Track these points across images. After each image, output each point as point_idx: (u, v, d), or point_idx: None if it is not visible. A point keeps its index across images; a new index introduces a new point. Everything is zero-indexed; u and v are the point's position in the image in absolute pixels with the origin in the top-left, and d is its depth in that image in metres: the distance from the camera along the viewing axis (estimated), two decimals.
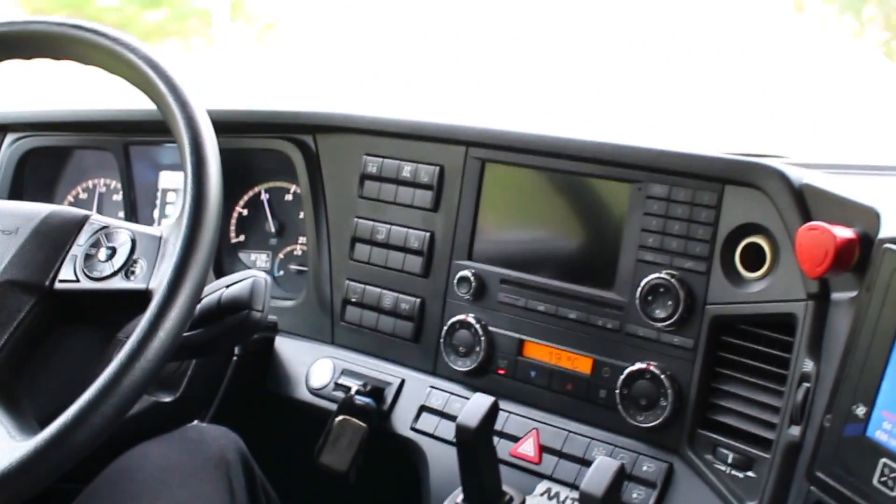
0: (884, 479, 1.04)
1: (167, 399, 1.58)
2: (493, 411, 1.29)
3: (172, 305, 1.14)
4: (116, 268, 1.27)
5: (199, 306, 1.42)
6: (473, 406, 1.30)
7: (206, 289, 1.44)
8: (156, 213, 2.04)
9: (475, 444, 1.29)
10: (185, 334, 1.39)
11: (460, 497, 1.35)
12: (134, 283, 1.25)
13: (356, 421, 1.58)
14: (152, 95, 1.27)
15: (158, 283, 1.16)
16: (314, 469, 1.63)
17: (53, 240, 1.32)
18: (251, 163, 1.92)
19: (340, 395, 1.63)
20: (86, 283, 1.29)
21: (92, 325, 1.37)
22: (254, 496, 1.39)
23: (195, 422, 1.55)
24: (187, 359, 1.57)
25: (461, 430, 1.29)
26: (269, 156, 1.84)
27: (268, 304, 1.42)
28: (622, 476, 1.19)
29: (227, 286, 1.42)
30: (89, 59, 1.33)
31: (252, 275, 1.42)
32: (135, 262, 1.27)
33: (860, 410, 1.08)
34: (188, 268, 1.16)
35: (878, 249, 1.11)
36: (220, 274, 1.84)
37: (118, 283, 1.27)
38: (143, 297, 1.20)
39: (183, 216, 1.18)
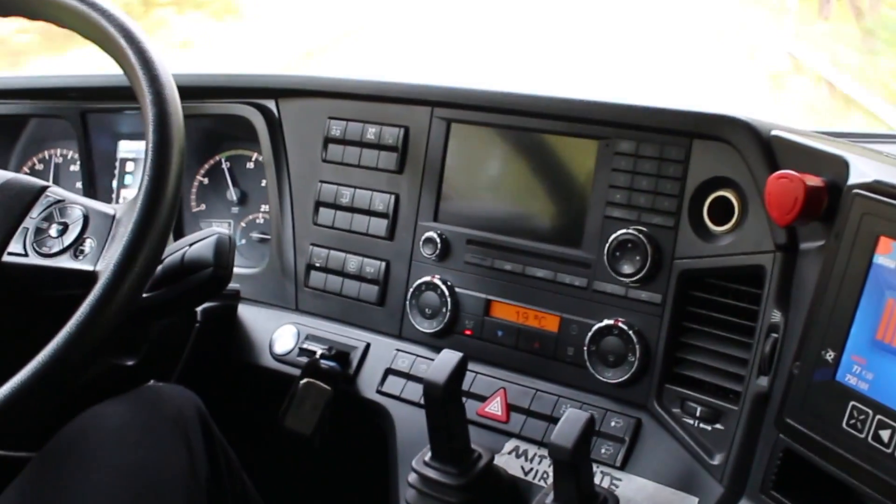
0: (853, 421, 1.05)
1: (129, 363, 1.56)
2: (461, 367, 1.28)
3: (116, 292, 1.11)
4: (66, 245, 1.25)
5: (161, 266, 1.40)
6: (442, 362, 1.29)
7: (169, 248, 1.43)
8: (114, 184, 2.01)
9: (444, 401, 1.28)
10: (146, 295, 1.38)
11: (428, 455, 1.34)
12: (81, 264, 1.23)
13: (320, 384, 1.57)
14: (122, 63, 1.25)
15: (105, 267, 1.14)
16: (279, 436, 1.62)
17: (7, 209, 1.29)
18: (213, 130, 1.90)
19: (305, 360, 1.62)
20: (34, 259, 1.26)
21: (37, 301, 1.34)
22: (212, 455, 1.37)
23: (151, 382, 1.52)
24: (151, 319, 1.54)
25: (429, 387, 1.28)
26: (230, 122, 1.81)
27: (232, 261, 1.41)
28: (592, 428, 1.19)
29: (191, 244, 1.40)
30: (63, 21, 1.31)
31: (215, 232, 1.41)
32: (85, 240, 1.25)
33: (829, 356, 1.09)
34: (136, 254, 1.13)
35: (847, 196, 1.11)
36: None
37: (66, 261, 1.25)
38: (89, 278, 1.18)
39: (138, 198, 1.16)
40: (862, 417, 1.04)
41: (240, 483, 1.45)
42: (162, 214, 1.16)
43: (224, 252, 1.39)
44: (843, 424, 1.06)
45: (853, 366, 1.06)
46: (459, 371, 1.28)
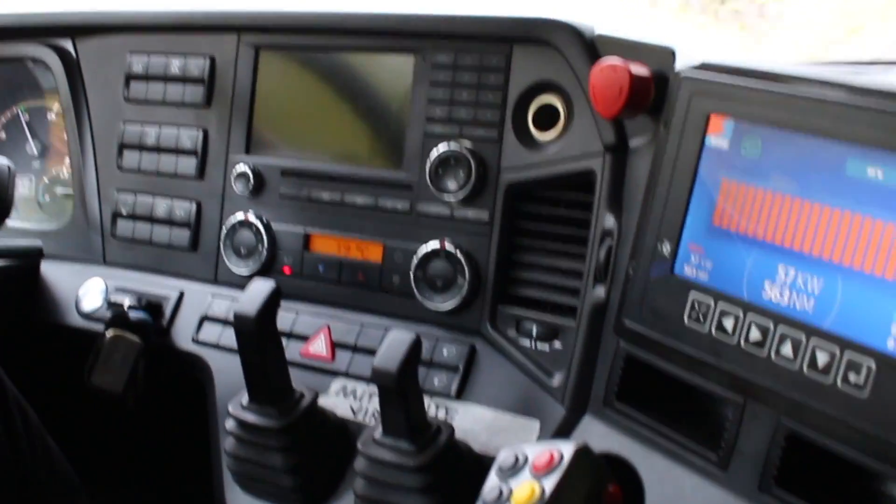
0: (694, 314, 0.94)
1: None
2: (274, 297, 1.14)
3: None
4: None
5: None
6: (252, 292, 1.14)
7: None
8: None
9: (257, 334, 1.13)
10: None
11: (245, 399, 1.19)
12: None
13: (129, 337, 1.39)
14: None
15: None
16: (92, 399, 1.44)
17: None
18: (7, 79, 1.70)
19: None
20: None
21: None
22: (5, 413, 1.20)
23: None
24: None
25: (240, 319, 1.13)
26: (26, 70, 1.62)
27: (12, 191, 1.23)
28: (418, 349, 1.06)
29: None
30: None
31: None
32: None
33: (666, 248, 0.98)
34: None
35: (675, 82, 1.01)
36: None
37: None
38: None
39: None
40: (703, 310, 0.93)
41: (41, 444, 1.28)
42: None
43: (2, 182, 1.21)
44: (685, 319, 0.95)
45: (691, 256, 0.96)
46: (272, 301, 1.13)
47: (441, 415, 1.20)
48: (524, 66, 1.22)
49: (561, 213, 1.20)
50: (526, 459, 0.80)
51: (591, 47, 1.16)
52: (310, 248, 1.36)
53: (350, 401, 1.26)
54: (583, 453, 0.78)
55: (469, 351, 1.24)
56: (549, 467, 0.77)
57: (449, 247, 1.25)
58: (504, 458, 0.82)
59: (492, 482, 0.81)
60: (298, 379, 1.25)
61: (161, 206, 1.48)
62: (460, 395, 1.22)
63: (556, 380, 1.15)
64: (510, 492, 0.77)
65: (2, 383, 1.23)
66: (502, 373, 1.21)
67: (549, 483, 0.76)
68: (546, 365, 1.18)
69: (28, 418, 1.27)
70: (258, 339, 1.13)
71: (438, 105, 1.27)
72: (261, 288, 1.14)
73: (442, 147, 1.25)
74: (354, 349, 1.29)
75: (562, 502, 0.76)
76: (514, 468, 0.80)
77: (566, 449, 0.78)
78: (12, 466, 1.22)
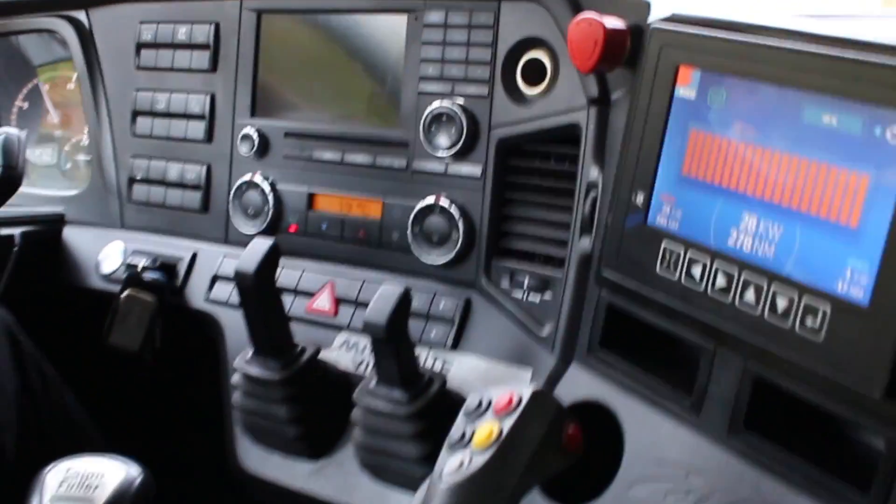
0: (665, 263, 0.95)
1: None
2: (272, 254, 1.16)
3: None
4: None
5: None
6: (251, 250, 1.16)
7: None
8: None
9: (256, 290, 1.16)
10: None
11: (250, 353, 1.22)
12: None
13: (144, 297, 1.43)
14: None
15: None
16: (112, 356, 1.48)
17: None
18: (26, 51, 1.73)
19: None
20: None
21: None
22: (22, 369, 1.25)
23: None
24: None
25: (240, 276, 1.15)
26: (44, 42, 1.65)
27: (23, 159, 1.27)
28: (407, 302, 1.08)
29: None
30: None
31: (2, 132, 1.26)
32: None
33: (639, 199, 0.99)
34: None
35: (647, 34, 1.02)
36: None
37: None
38: None
39: None
40: (674, 258, 0.94)
41: (59, 399, 1.32)
42: None
43: (13, 151, 1.24)
44: (657, 268, 0.96)
45: (663, 206, 0.97)
46: (271, 258, 1.16)
47: (437, 366, 1.22)
48: (511, 21, 1.23)
49: (550, 166, 1.21)
50: (490, 402, 0.82)
51: (574, 2, 1.16)
52: (313, 206, 1.39)
53: (352, 354, 1.29)
54: (540, 396, 0.80)
55: (464, 304, 1.26)
56: (509, 409, 0.79)
57: (444, 202, 1.27)
58: (471, 401, 0.84)
59: (458, 423, 0.83)
60: (304, 334, 1.29)
61: (173, 170, 1.51)
62: (456, 346, 1.24)
63: (547, 330, 1.17)
64: (473, 432, 0.80)
65: (19, 341, 1.27)
66: (496, 324, 1.23)
67: (508, 424, 0.78)
68: (537, 315, 1.20)
69: (45, 375, 1.31)
70: (258, 294, 1.16)
71: (431, 64, 1.28)
72: (260, 246, 1.16)
73: (434, 105, 1.26)
74: (356, 304, 1.32)
75: (518, 441, 0.78)
76: (479, 410, 0.82)
77: (525, 392, 0.80)
78: (31, 421, 1.27)
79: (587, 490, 1.01)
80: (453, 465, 0.79)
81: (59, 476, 0.87)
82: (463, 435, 0.81)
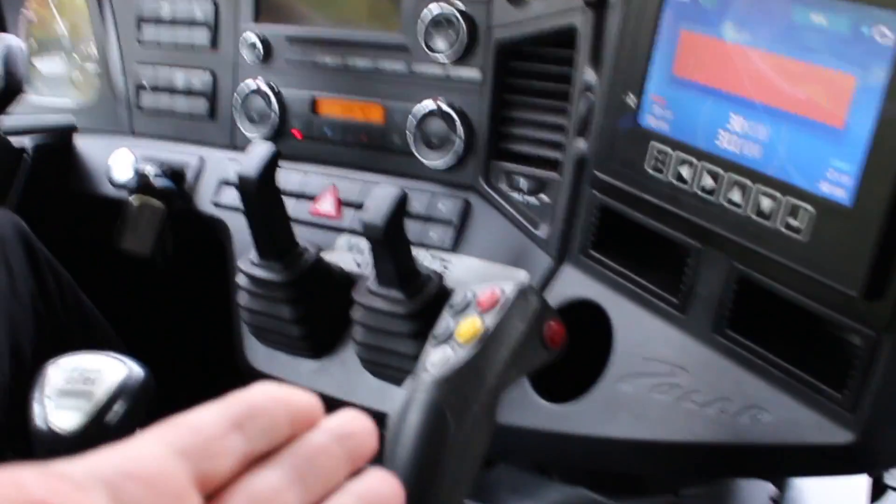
0: (655, 163, 0.95)
1: None
2: (273, 158, 1.16)
3: None
4: None
5: None
6: (252, 154, 1.17)
7: None
8: None
9: (258, 193, 1.16)
10: None
11: (254, 255, 1.24)
12: None
13: (153, 202, 1.44)
14: None
15: None
16: (124, 262, 1.51)
17: None
18: None
19: None
20: None
21: None
22: (38, 273, 1.27)
23: None
24: None
25: (242, 181, 1.16)
26: None
27: (25, 70, 1.27)
28: (403, 203, 1.09)
29: None
30: None
31: (4, 41, 1.26)
32: None
33: (631, 100, 0.99)
34: None
35: None
36: None
37: None
38: None
39: None
40: (663, 158, 0.94)
41: (75, 301, 1.35)
42: None
43: (14, 60, 1.25)
44: (648, 169, 0.96)
45: (653, 106, 0.96)
46: (271, 162, 1.16)
47: (437, 266, 1.24)
48: None
49: (548, 69, 1.20)
50: (474, 297, 0.83)
51: None
52: (317, 111, 1.39)
53: (354, 255, 1.30)
54: (522, 292, 0.81)
55: (463, 205, 1.26)
56: (492, 304, 0.81)
57: (444, 105, 1.26)
58: (455, 296, 0.85)
59: (443, 319, 0.84)
60: (308, 236, 1.29)
61: (180, 78, 1.51)
62: (456, 247, 1.25)
63: (543, 231, 1.18)
64: (456, 327, 0.81)
65: (34, 247, 1.29)
66: (495, 226, 1.24)
67: (490, 319, 0.79)
68: (534, 217, 1.20)
69: (60, 278, 1.33)
70: (260, 197, 1.17)
71: None
72: (260, 150, 1.16)
73: (433, 8, 1.25)
74: (358, 207, 1.32)
75: (500, 335, 0.79)
76: (463, 306, 0.83)
77: (508, 288, 0.81)
78: (47, 322, 1.29)
79: (577, 387, 1.03)
80: (436, 359, 0.80)
81: (61, 371, 0.89)
82: (447, 329, 0.82)
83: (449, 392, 0.78)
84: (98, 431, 0.86)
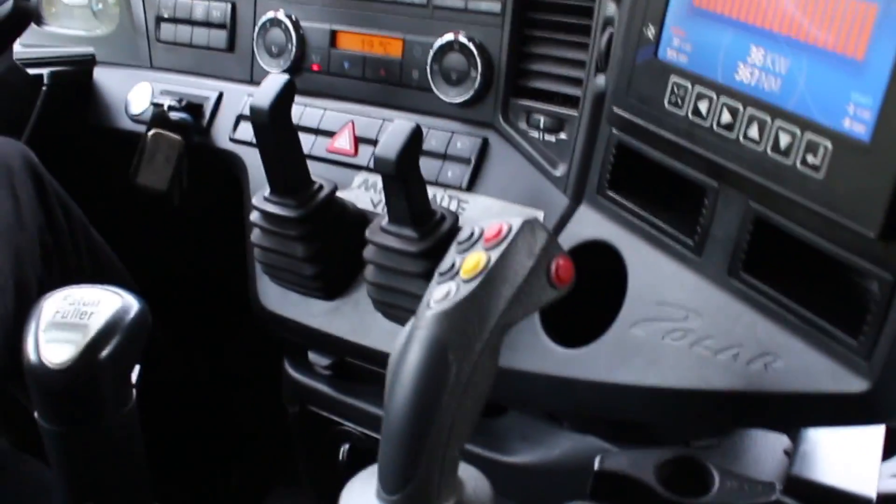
0: (673, 98, 0.92)
1: None
2: (287, 90, 1.14)
3: None
4: None
5: None
6: (266, 86, 1.14)
7: None
8: None
9: (271, 125, 1.14)
10: None
11: (268, 190, 1.22)
12: None
13: (171, 135, 1.43)
14: None
15: None
16: (139, 201, 1.50)
17: None
18: None
19: None
20: None
21: None
22: (46, 205, 1.26)
23: None
24: None
25: (255, 112, 1.14)
26: None
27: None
28: (418, 138, 1.06)
29: None
30: None
31: None
32: None
33: (651, 32, 0.95)
34: None
35: None
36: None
37: None
38: None
39: None
40: (682, 93, 0.91)
41: (85, 237, 1.34)
42: None
43: None
44: (665, 103, 0.93)
45: (673, 38, 0.93)
46: (285, 94, 1.14)
47: (453, 206, 1.21)
48: None
49: (569, 2, 1.17)
50: (481, 233, 0.80)
51: None
52: (336, 44, 1.36)
53: (370, 194, 1.28)
54: (529, 227, 0.78)
55: (481, 143, 1.23)
56: (498, 239, 0.78)
57: (463, 39, 1.23)
58: (463, 232, 0.82)
59: (449, 254, 0.82)
60: (325, 173, 1.28)
61: (199, 8, 1.49)
62: (472, 187, 1.22)
63: (560, 170, 1.15)
64: (462, 262, 0.78)
65: (43, 179, 1.28)
66: (512, 165, 1.21)
67: (495, 254, 0.77)
68: (552, 156, 1.17)
69: (71, 212, 1.32)
70: (273, 130, 1.14)
71: None
72: (274, 82, 1.14)
73: None
74: (376, 143, 1.30)
75: (505, 270, 0.76)
76: (469, 241, 0.81)
77: (515, 222, 0.79)
78: (54, 257, 1.28)
79: (590, 332, 1.00)
80: (440, 294, 0.78)
81: (56, 303, 0.88)
82: (452, 265, 0.80)
83: (450, 328, 0.75)
84: (90, 366, 0.85)
